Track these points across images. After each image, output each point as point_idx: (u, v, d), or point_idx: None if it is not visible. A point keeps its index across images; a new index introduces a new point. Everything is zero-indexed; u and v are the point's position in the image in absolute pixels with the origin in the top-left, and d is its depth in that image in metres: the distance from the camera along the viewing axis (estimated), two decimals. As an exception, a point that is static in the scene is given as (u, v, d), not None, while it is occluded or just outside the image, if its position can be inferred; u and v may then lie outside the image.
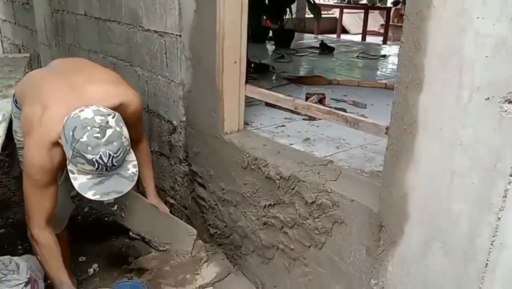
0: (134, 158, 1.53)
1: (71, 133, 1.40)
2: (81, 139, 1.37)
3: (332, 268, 1.78)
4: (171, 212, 2.74)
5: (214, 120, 2.27)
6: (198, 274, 2.41)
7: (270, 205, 2.04)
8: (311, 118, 2.55)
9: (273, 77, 3.76)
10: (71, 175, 1.44)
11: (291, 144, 2.16)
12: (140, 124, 2.03)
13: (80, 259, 2.52)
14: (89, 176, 1.43)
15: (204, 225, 2.62)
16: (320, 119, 2.51)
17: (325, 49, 5.09)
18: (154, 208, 2.16)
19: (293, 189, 1.87)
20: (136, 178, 1.51)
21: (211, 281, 2.35)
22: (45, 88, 1.63)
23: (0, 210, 3.09)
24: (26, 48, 5.46)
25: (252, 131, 2.35)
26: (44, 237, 1.68)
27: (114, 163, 1.42)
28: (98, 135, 1.39)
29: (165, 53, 2.58)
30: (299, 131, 2.36)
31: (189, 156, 2.62)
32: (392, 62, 4.68)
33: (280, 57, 4.66)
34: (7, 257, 2.13)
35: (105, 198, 1.46)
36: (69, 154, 1.41)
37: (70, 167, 1.44)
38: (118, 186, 1.47)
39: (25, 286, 2.03)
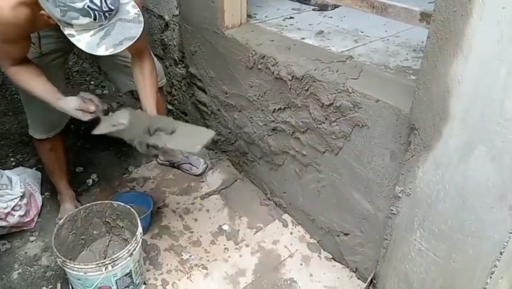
0: None
1: None
2: None
3: (349, 174, 1.65)
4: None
5: (213, 13, 1.97)
6: (203, 181, 2.32)
7: (280, 109, 1.84)
8: (323, 9, 2.24)
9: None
10: (72, 39, 1.26)
11: (303, 38, 1.89)
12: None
13: (77, 170, 2.40)
14: (91, 32, 1.26)
15: (206, 132, 2.45)
16: (333, 8, 2.21)
17: None
18: (174, 121, 1.88)
19: (307, 90, 1.66)
20: (142, 18, 1.33)
21: (217, 189, 2.26)
22: None
23: (-15, 121, 2.90)
24: None
25: (257, 25, 2.05)
26: (15, 69, 1.54)
27: (110, 5, 1.25)
28: None
29: None
30: (310, 24, 2.07)
31: (185, 56, 2.35)
32: None
33: None
34: (-3, 170, 1.99)
35: (119, 49, 1.29)
36: (57, 13, 1.23)
37: (67, 31, 1.26)
38: (126, 32, 1.30)
39: (20, 200, 1.93)
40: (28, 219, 2.00)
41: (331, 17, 2.16)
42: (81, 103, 1.57)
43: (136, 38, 1.31)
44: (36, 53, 1.69)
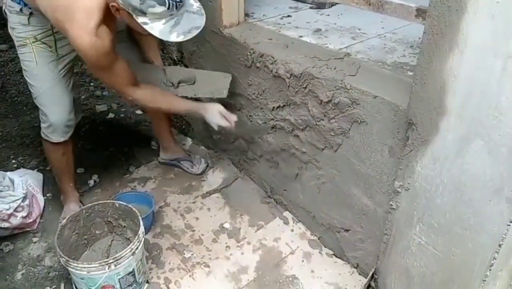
0: None
1: None
2: None
3: (348, 170, 1.66)
4: (169, 118, 2.58)
5: (211, 12, 1.97)
6: (204, 180, 2.33)
7: (279, 106, 1.86)
8: (320, 7, 2.25)
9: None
10: (145, 27, 1.39)
11: (301, 36, 1.90)
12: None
13: (78, 171, 2.40)
14: (163, 20, 1.39)
15: (206, 131, 2.47)
16: (330, 6, 2.22)
17: None
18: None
19: (305, 87, 1.67)
20: (204, 11, 1.48)
21: (218, 187, 2.27)
22: None
23: (-14, 123, 2.91)
24: None
25: (255, 24, 2.07)
26: (140, 93, 1.69)
27: None
28: None
29: None
30: (307, 22, 2.08)
31: (184, 56, 2.36)
32: None
33: None
34: (0, 172, 2.00)
35: (188, 37, 1.43)
36: (135, 2, 1.35)
37: (141, 19, 1.39)
38: (193, 22, 1.44)
39: (23, 201, 1.94)
40: (31, 220, 2.01)
41: (328, 15, 2.17)
42: (224, 109, 1.80)
43: (201, 28, 1.45)
44: (53, 56, 1.73)
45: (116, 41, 1.60)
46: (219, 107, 1.79)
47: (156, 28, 1.39)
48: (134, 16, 1.39)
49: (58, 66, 1.75)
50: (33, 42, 1.68)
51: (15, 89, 3.38)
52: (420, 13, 1.37)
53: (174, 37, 1.40)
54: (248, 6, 2.19)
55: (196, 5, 1.47)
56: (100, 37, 1.45)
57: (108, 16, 1.46)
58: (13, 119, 2.97)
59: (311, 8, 2.28)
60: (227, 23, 1.98)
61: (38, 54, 1.70)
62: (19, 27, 1.68)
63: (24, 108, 3.09)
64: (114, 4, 1.40)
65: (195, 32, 1.44)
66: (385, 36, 1.90)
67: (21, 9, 1.63)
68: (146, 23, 1.39)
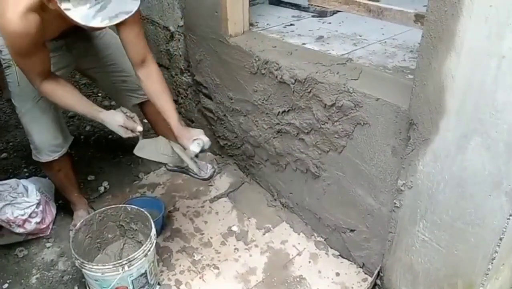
0: None
1: None
2: None
3: (353, 171, 1.71)
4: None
5: (217, 22, 2.05)
6: (211, 185, 2.38)
7: (284, 111, 1.91)
8: (321, 15, 2.32)
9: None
10: (68, 13, 1.26)
11: (304, 44, 1.97)
12: (140, 33, 1.68)
13: (89, 178, 2.48)
14: (88, 5, 1.27)
15: (213, 137, 2.52)
16: (332, 14, 2.30)
17: None
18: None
19: (309, 92, 1.73)
20: None
21: (225, 192, 2.33)
22: None
23: (-2, 134, 2.98)
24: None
25: (259, 33, 2.14)
26: (47, 86, 1.59)
27: None
28: None
29: None
30: (310, 30, 2.15)
31: (191, 65, 2.43)
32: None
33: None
34: (14, 180, 2.07)
35: (114, 21, 1.30)
36: None
37: (64, 5, 1.26)
38: (123, 6, 1.32)
39: (37, 207, 2.00)
40: (44, 226, 2.06)
41: (330, 22, 2.24)
42: (126, 120, 1.61)
43: (132, 13, 1.33)
44: None
45: (47, 38, 1.55)
46: (118, 118, 1.62)
47: (79, 12, 1.26)
48: (58, 2, 1.26)
49: None
50: (15, 63, 1.65)
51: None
52: (419, 18, 1.43)
53: (97, 22, 1.28)
54: (252, 16, 2.26)
55: None
56: (27, 22, 1.38)
57: (48, 12, 1.37)
58: (23, 130, 3.02)
59: (313, 16, 2.35)
60: (232, 32, 2.06)
61: (20, 75, 1.68)
62: (5, 49, 1.69)
63: (34, 119, 3.16)
64: None
65: (123, 17, 1.31)
66: (385, 42, 1.96)
67: None
68: (68, 9, 1.26)
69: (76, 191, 2.16)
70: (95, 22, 1.27)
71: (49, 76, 1.60)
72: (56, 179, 2.09)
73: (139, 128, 1.62)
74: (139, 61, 1.68)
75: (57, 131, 1.88)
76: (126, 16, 1.32)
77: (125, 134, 1.63)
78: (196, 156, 1.71)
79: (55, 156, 1.92)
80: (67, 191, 2.13)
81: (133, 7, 1.33)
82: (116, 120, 1.61)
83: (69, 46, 1.86)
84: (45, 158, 1.92)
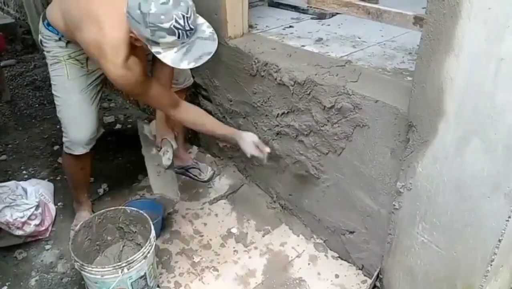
0: (203, 20, 1.53)
1: (138, 12, 1.39)
2: (150, 12, 1.37)
3: (352, 173, 1.71)
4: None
5: (216, 24, 2.03)
6: (211, 187, 2.38)
7: (283, 113, 1.92)
8: (321, 17, 2.33)
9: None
10: (159, 56, 1.44)
11: (303, 46, 1.98)
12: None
13: (88, 180, 2.47)
14: (175, 49, 1.44)
15: (212, 139, 2.53)
16: (331, 17, 2.30)
17: None
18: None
19: (309, 94, 1.73)
20: (216, 36, 1.50)
21: (225, 194, 2.33)
22: (93, 8, 1.55)
23: (-3, 136, 2.98)
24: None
25: (259, 35, 2.14)
26: (183, 114, 1.78)
27: (191, 25, 1.42)
28: (164, 0, 1.38)
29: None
30: (309, 32, 2.15)
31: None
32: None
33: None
34: (13, 182, 2.07)
35: (199, 63, 1.46)
36: (147, 33, 1.40)
37: (154, 49, 1.44)
38: (204, 48, 1.48)
39: (36, 209, 2.00)
40: (43, 228, 2.06)
41: (329, 25, 2.24)
42: (259, 141, 1.81)
43: (212, 54, 1.49)
44: (84, 70, 1.82)
45: (147, 67, 1.69)
46: (254, 137, 1.81)
47: (168, 56, 1.44)
48: (148, 46, 1.45)
49: (88, 80, 1.84)
50: (66, 59, 1.78)
51: (23, 102, 3.46)
52: (418, 20, 1.44)
53: (185, 65, 1.45)
54: (252, 18, 2.27)
55: (209, 31, 1.50)
56: (130, 68, 1.53)
57: (136, 45, 1.53)
58: (23, 131, 3.04)
59: (312, 18, 2.36)
60: (232, 34, 2.06)
61: (70, 69, 1.80)
62: (56, 49, 1.79)
63: (33, 120, 3.16)
64: (132, 35, 1.48)
65: (205, 58, 1.48)
66: (384, 44, 1.97)
67: (60, 38, 1.76)
68: (159, 53, 1.44)
69: (86, 192, 2.18)
70: (183, 65, 1.45)
71: (179, 103, 1.76)
72: (76, 176, 2.09)
73: (267, 149, 1.79)
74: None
75: (97, 123, 1.95)
76: (208, 57, 1.48)
77: (257, 153, 1.79)
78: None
79: (88, 148, 1.95)
80: (79, 189, 2.14)
81: (213, 47, 1.49)
82: (252, 139, 1.80)
83: None
84: (80, 150, 1.94)
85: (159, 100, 1.71)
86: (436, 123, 1.26)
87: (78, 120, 1.89)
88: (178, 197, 2.02)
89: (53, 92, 1.88)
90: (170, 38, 1.40)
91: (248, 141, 1.80)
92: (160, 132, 2.03)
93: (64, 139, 1.95)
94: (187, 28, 1.41)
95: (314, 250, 1.99)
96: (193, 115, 1.82)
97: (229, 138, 1.86)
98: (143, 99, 1.76)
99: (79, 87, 1.84)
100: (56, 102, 1.88)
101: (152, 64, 1.85)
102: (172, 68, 1.82)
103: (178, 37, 1.41)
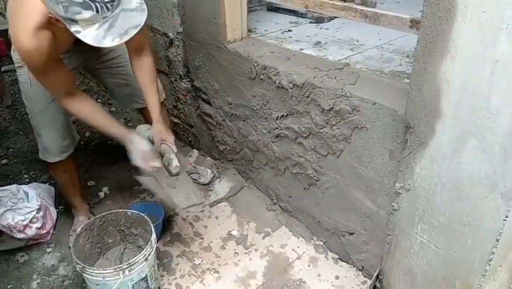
0: None
1: None
2: None
3: (351, 174, 1.73)
4: (176, 131, 2.67)
5: (215, 28, 2.08)
6: (211, 190, 2.40)
7: (282, 116, 1.94)
8: (319, 21, 2.35)
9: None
10: (78, 35, 1.27)
11: (302, 49, 2.00)
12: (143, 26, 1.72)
13: (89, 184, 2.49)
14: (96, 25, 1.27)
15: (212, 142, 2.55)
16: (329, 20, 2.32)
17: None
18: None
19: (307, 96, 1.75)
20: (145, 7, 1.34)
21: (225, 196, 2.34)
22: None
23: (-2, 140, 2.99)
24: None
25: (258, 38, 2.16)
26: (74, 104, 1.64)
27: None
28: None
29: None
30: (308, 35, 2.18)
31: (190, 71, 2.46)
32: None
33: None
34: (14, 186, 2.08)
35: (125, 38, 1.30)
36: (60, 11, 1.25)
37: (73, 28, 1.27)
38: (131, 21, 1.31)
39: (37, 212, 2.01)
40: (45, 231, 2.07)
41: (327, 28, 2.27)
42: (150, 151, 1.66)
43: (140, 26, 1.32)
44: None
45: (61, 51, 1.58)
46: (144, 148, 1.66)
47: (90, 35, 1.27)
48: (67, 25, 1.28)
49: None
50: (40, 83, 1.66)
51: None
52: (414, 24, 1.45)
53: (109, 42, 1.28)
54: (251, 22, 2.29)
55: (136, 1, 1.33)
56: (38, 39, 1.40)
57: (57, 26, 1.37)
58: (23, 136, 3.05)
59: (310, 22, 2.39)
60: (231, 38, 2.08)
61: (32, 75, 1.68)
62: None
63: (34, 125, 3.18)
64: (51, 15, 1.32)
65: (133, 32, 1.31)
66: (382, 47, 1.99)
67: None
68: (78, 32, 1.27)
69: (78, 195, 2.18)
70: (107, 42, 1.28)
71: (74, 93, 1.63)
72: (61, 180, 2.10)
73: (157, 164, 1.66)
74: (134, 49, 1.70)
75: (67, 132, 1.91)
76: (136, 30, 1.32)
77: (143, 165, 1.67)
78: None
79: (63, 156, 1.94)
80: (70, 193, 2.15)
81: (141, 19, 1.33)
82: (141, 150, 1.65)
83: (80, 49, 1.88)
84: (53, 158, 1.93)
85: (57, 86, 1.58)
86: (433, 125, 1.27)
87: (47, 129, 1.84)
88: (203, 198, 1.97)
89: (22, 99, 1.84)
90: (87, 13, 1.24)
91: (136, 150, 1.65)
92: (159, 136, 1.95)
93: (38, 146, 1.94)
94: (106, 0, 1.25)
95: (314, 252, 2.00)
96: (86, 109, 1.66)
97: (120, 140, 1.71)
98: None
99: (43, 95, 1.77)
100: (26, 109, 1.86)
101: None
102: (152, 65, 1.78)
103: (97, 12, 1.24)
